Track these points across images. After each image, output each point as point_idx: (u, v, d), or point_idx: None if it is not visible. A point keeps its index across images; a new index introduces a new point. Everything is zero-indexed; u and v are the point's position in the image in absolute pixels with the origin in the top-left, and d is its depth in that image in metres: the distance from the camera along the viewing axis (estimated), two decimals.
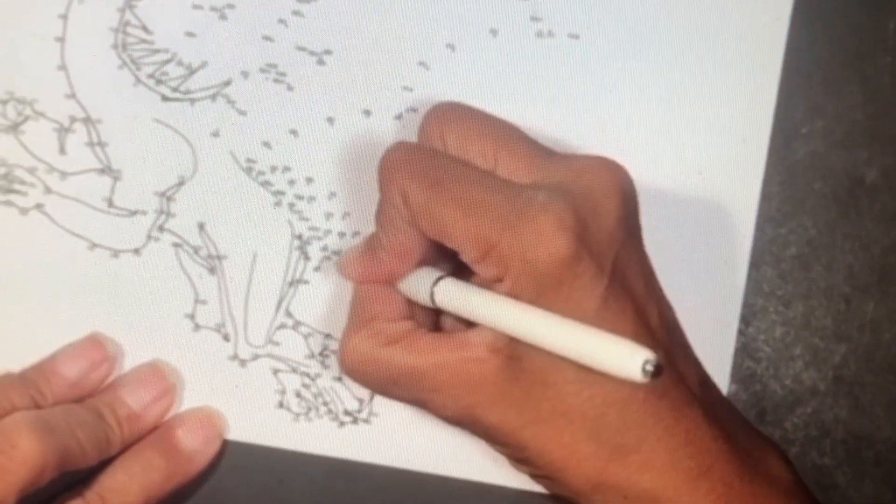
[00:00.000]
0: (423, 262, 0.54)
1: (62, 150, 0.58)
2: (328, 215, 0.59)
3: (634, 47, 0.60)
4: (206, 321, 0.59)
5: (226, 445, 0.59)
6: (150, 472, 0.56)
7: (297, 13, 0.59)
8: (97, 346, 0.58)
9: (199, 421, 0.58)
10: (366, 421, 0.60)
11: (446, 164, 0.53)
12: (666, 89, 0.60)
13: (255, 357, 0.59)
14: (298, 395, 0.59)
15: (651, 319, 0.52)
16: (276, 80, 0.59)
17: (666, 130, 0.60)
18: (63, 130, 0.58)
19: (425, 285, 0.53)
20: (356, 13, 0.59)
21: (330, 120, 0.59)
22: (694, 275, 0.60)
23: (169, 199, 0.59)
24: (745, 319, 0.60)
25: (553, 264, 0.49)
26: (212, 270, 0.59)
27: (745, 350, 0.60)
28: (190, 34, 0.58)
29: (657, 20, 0.59)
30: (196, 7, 0.58)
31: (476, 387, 0.51)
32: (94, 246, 0.59)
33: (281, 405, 0.59)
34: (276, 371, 0.59)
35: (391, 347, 0.52)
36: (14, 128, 0.58)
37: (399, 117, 0.59)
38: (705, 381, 0.55)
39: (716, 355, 0.60)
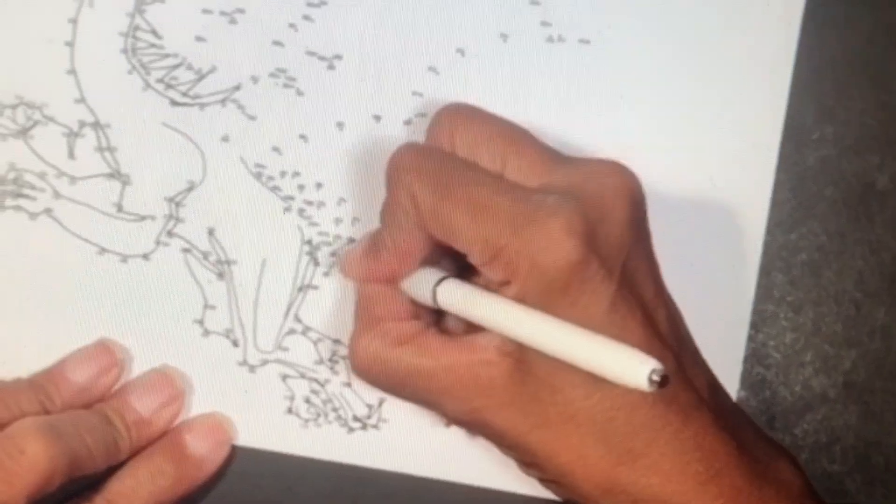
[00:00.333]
0: (426, 263, 0.54)
1: (71, 155, 0.58)
2: (338, 221, 0.59)
3: (645, 53, 0.59)
4: (215, 326, 0.59)
5: (234, 451, 0.59)
6: (158, 478, 0.56)
7: (307, 18, 0.58)
8: (106, 352, 0.58)
9: (208, 427, 0.58)
10: (375, 427, 0.59)
11: (455, 167, 0.52)
12: (676, 95, 0.59)
13: (264, 362, 0.59)
14: (307, 400, 0.59)
15: (660, 324, 0.52)
16: (285, 85, 0.58)
17: (676, 136, 0.59)
18: (72, 135, 0.58)
19: (427, 286, 0.53)
20: (366, 18, 0.58)
21: (340, 125, 0.58)
22: (704, 280, 0.60)
23: (178, 204, 0.58)
24: (755, 325, 0.60)
25: (561, 269, 0.49)
26: (221, 276, 0.58)
27: (754, 356, 0.60)
28: (200, 39, 0.58)
29: (667, 25, 0.59)
30: (206, 12, 0.58)
31: (485, 390, 0.50)
32: (103, 251, 0.58)
33: (290, 411, 0.59)
34: (284, 377, 0.59)
35: (401, 348, 0.52)
36: (23, 132, 0.57)
37: (409, 122, 0.58)
38: (714, 386, 0.54)
39: (725, 361, 0.59)
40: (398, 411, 0.59)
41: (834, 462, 0.60)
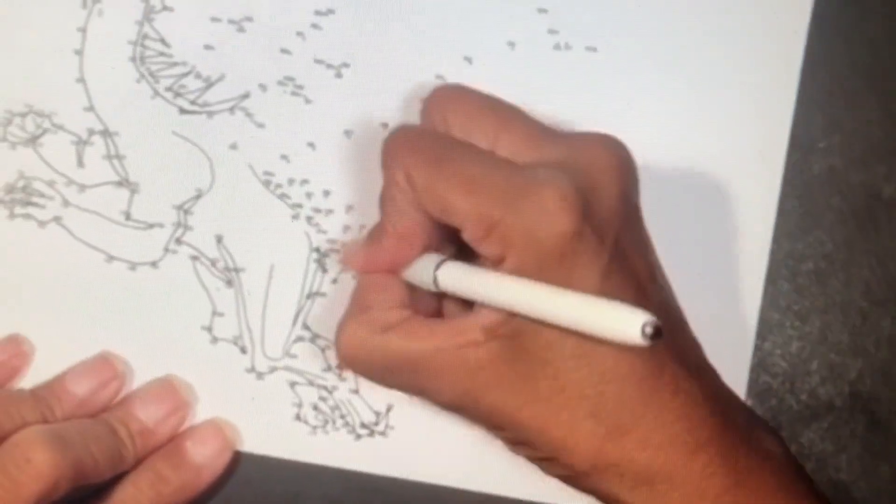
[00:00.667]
0: (427, 250, 0.53)
1: (80, 163, 0.57)
2: (346, 228, 0.58)
3: (651, 61, 0.59)
4: (223, 334, 0.58)
5: (241, 458, 0.58)
6: (159, 485, 0.55)
7: (315, 26, 0.57)
8: (107, 365, 0.57)
9: (209, 433, 0.57)
10: (382, 434, 0.59)
11: (448, 144, 0.52)
12: (683, 103, 0.59)
13: (272, 369, 0.58)
14: (315, 407, 0.58)
15: (651, 296, 0.51)
16: (293, 93, 0.58)
17: (683, 145, 0.59)
18: (81, 143, 0.57)
19: (429, 270, 0.52)
20: (374, 26, 0.58)
21: (347, 133, 0.58)
22: (710, 289, 0.59)
23: (186, 211, 0.58)
24: (762, 334, 0.59)
25: (555, 239, 0.49)
26: (229, 283, 0.58)
27: (761, 365, 0.59)
28: (208, 47, 0.57)
29: (674, 34, 0.58)
30: (214, 20, 0.57)
31: (473, 371, 0.50)
32: (111, 258, 0.58)
33: (298, 418, 0.58)
34: (292, 384, 0.58)
35: (386, 334, 0.51)
36: (33, 140, 0.57)
37: None
38: (702, 361, 0.54)
39: (732, 370, 0.58)
40: (406, 418, 0.59)
41: (840, 471, 0.60)
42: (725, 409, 0.52)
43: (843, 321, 0.59)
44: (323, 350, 0.58)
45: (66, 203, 0.57)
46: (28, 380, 0.57)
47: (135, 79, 0.57)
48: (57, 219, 0.57)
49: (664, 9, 0.58)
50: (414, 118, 0.57)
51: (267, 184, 0.58)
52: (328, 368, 0.58)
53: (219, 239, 0.58)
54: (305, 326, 0.58)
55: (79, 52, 0.57)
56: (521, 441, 0.52)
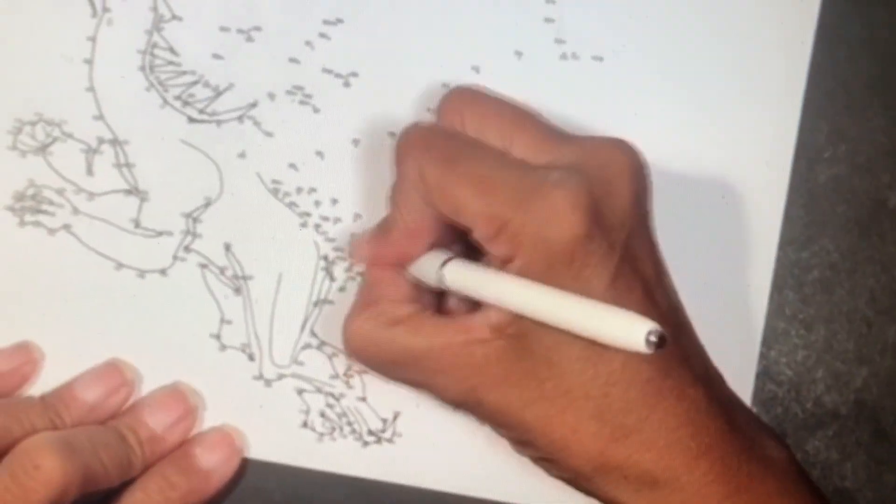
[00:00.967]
0: (434, 246, 0.53)
1: (90, 171, 0.57)
2: (353, 236, 0.58)
3: (657, 71, 0.58)
4: (231, 341, 0.58)
5: (249, 464, 0.58)
6: (168, 491, 0.55)
7: (323, 36, 0.57)
8: (115, 372, 0.57)
9: (217, 439, 0.57)
10: (389, 441, 0.58)
11: (462, 143, 0.52)
12: (689, 112, 0.59)
13: (280, 377, 0.58)
14: (322, 414, 0.58)
15: (659, 302, 0.51)
16: (302, 102, 0.57)
17: (689, 153, 0.59)
18: (91, 151, 0.57)
19: (434, 266, 0.52)
20: (382, 35, 0.58)
21: (355, 141, 0.58)
22: (716, 297, 0.59)
23: (195, 219, 0.57)
24: (767, 342, 0.59)
25: (565, 242, 0.49)
26: (237, 291, 0.58)
27: (766, 373, 0.59)
28: (217, 56, 0.57)
29: (680, 44, 0.58)
30: (223, 29, 0.57)
31: (479, 368, 0.50)
32: (120, 266, 0.57)
33: (305, 425, 0.58)
34: (300, 391, 0.58)
35: (394, 329, 0.51)
36: (42, 149, 0.57)
37: None
38: (707, 365, 0.54)
39: (737, 378, 0.58)
40: (413, 426, 0.58)
41: (845, 479, 0.59)
42: (730, 415, 0.52)
43: (849, 329, 0.59)
44: (330, 357, 0.58)
45: (75, 211, 0.57)
46: (37, 387, 0.57)
47: (144, 88, 0.57)
48: (66, 226, 0.57)
49: (670, 19, 0.58)
50: None
51: (275, 192, 0.58)
52: (335, 376, 0.58)
53: (227, 247, 0.58)
54: (313, 334, 0.58)
55: (88, 61, 0.57)
56: (525, 441, 0.52)
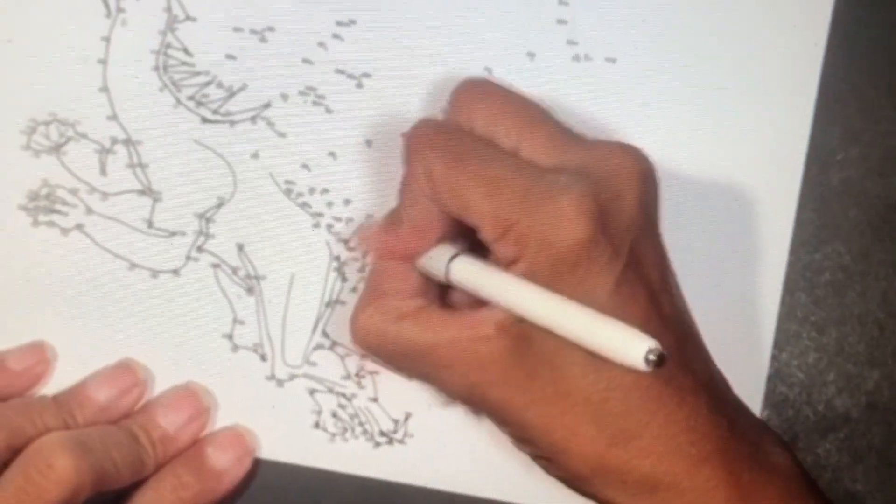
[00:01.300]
0: (442, 241, 0.53)
1: (103, 171, 0.57)
2: (361, 227, 0.58)
3: (670, 72, 0.58)
4: (243, 341, 0.58)
5: (261, 465, 0.58)
6: (180, 491, 0.55)
7: (336, 36, 0.57)
8: (128, 372, 0.57)
9: (229, 439, 0.57)
10: (401, 442, 0.58)
11: (471, 143, 0.52)
12: (701, 115, 0.58)
13: (292, 377, 0.58)
14: (334, 415, 0.58)
15: (663, 307, 0.51)
16: (315, 103, 0.57)
17: (701, 156, 0.58)
18: (104, 152, 0.57)
19: (441, 261, 0.52)
20: (395, 36, 0.57)
21: (368, 142, 0.58)
22: (728, 299, 0.59)
23: (208, 220, 0.57)
24: (779, 345, 0.59)
25: (570, 246, 0.48)
26: (250, 291, 0.57)
27: (777, 375, 0.59)
28: (230, 57, 0.57)
29: (693, 46, 0.58)
30: (236, 30, 0.57)
31: (483, 365, 0.50)
32: (133, 266, 0.57)
33: (317, 425, 0.58)
34: (312, 391, 0.58)
35: (401, 323, 0.51)
36: (56, 149, 0.57)
37: None
38: (713, 374, 0.53)
39: (749, 380, 0.58)
40: (424, 427, 0.58)
41: (857, 482, 0.59)
42: (733, 421, 0.52)
43: (860, 332, 0.59)
44: (342, 358, 0.58)
45: (88, 211, 0.57)
46: (50, 386, 0.57)
47: (158, 88, 0.57)
48: (80, 226, 0.57)
49: (683, 20, 0.58)
50: None
51: (288, 192, 0.57)
52: (347, 376, 0.58)
53: (240, 247, 0.57)
54: (325, 334, 0.58)
55: (102, 62, 0.57)
56: (525, 439, 0.52)
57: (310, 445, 0.58)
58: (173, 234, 0.57)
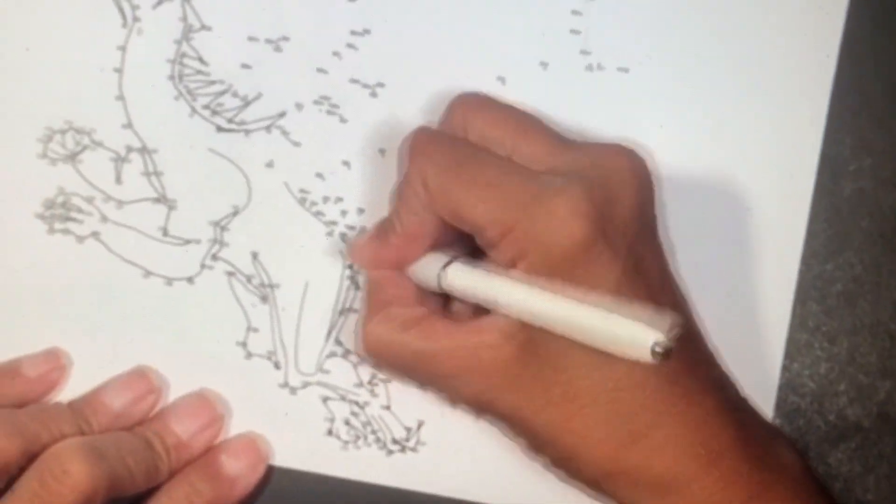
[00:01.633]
0: (434, 249, 0.53)
1: (118, 180, 0.57)
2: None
3: (682, 82, 0.58)
4: (257, 349, 0.58)
5: (274, 472, 0.58)
6: (193, 497, 0.55)
7: (350, 46, 0.57)
8: (142, 379, 0.57)
9: (243, 446, 0.57)
10: (413, 450, 0.58)
11: (465, 149, 0.52)
12: (714, 124, 0.58)
13: (305, 385, 0.58)
14: (347, 423, 0.58)
15: (664, 307, 0.51)
16: (329, 112, 0.57)
17: (713, 166, 0.58)
18: (120, 160, 0.57)
19: (433, 270, 0.52)
20: (408, 46, 0.57)
21: (382, 151, 0.58)
22: (739, 309, 0.58)
23: (223, 228, 0.57)
24: (790, 354, 0.59)
25: (568, 248, 0.49)
26: (264, 299, 0.58)
27: (789, 385, 0.59)
28: (245, 66, 0.57)
29: (706, 55, 0.58)
30: (252, 39, 0.57)
31: (489, 372, 0.50)
32: (148, 274, 0.57)
33: (330, 433, 0.58)
34: (325, 399, 0.58)
35: (407, 333, 0.51)
36: (72, 157, 0.57)
37: None
38: (718, 371, 0.54)
39: (760, 390, 0.58)
40: (436, 435, 0.58)
41: (868, 492, 0.59)
42: (742, 421, 0.52)
43: (872, 342, 0.59)
44: (355, 366, 0.58)
45: (104, 219, 0.57)
46: (65, 393, 0.57)
47: (173, 97, 0.57)
48: (95, 234, 0.57)
49: (695, 31, 0.58)
50: None
51: (302, 201, 0.58)
52: (360, 384, 0.58)
53: (254, 255, 0.58)
54: (338, 342, 0.58)
55: (118, 70, 0.57)
56: (536, 446, 0.52)
57: (323, 453, 0.58)
58: (188, 242, 0.57)
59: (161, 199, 0.57)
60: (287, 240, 0.58)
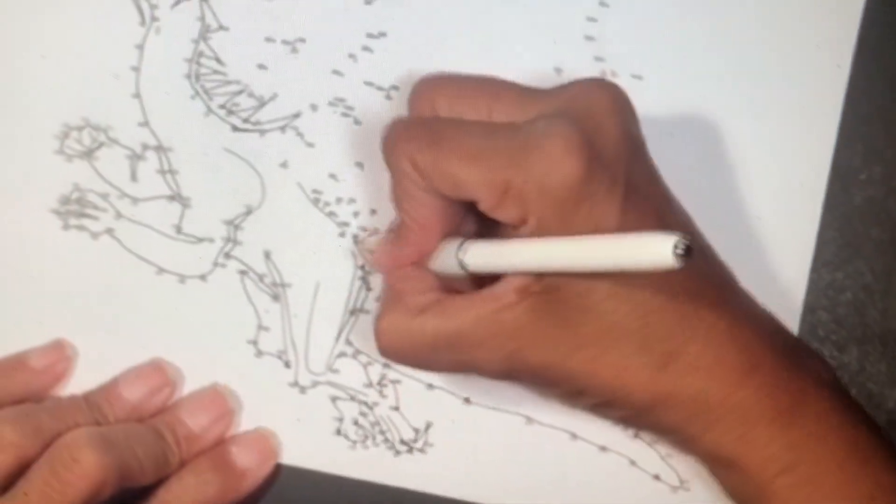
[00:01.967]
0: (447, 236, 0.53)
1: (134, 177, 0.58)
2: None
3: (695, 90, 0.58)
4: (268, 348, 0.58)
5: (282, 469, 0.58)
6: (203, 487, 0.55)
7: (366, 49, 0.58)
8: (158, 371, 0.57)
9: (254, 440, 0.57)
10: (421, 450, 0.58)
11: (444, 122, 0.52)
12: (725, 133, 0.58)
13: (315, 384, 0.58)
14: (356, 423, 0.58)
15: (672, 221, 0.52)
16: (343, 114, 0.58)
17: (724, 174, 0.58)
18: (135, 157, 0.57)
19: (451, 254, 0.52)
20: (423, 50, 0.58)
21: None
22: None
23: (236, 227, 0.58)
24: None
25: (568, 186, 0.48)
26: (276, 298, 0.58)
27: None
28: (262, 67, 0.58)
29: (719, 64, 0.58)
30: (268, 40, 0.57)
31: (514, 332, 0.50)
32: (161, 271, 0.58)
33: (339, 432, 0.58)
34: (334, 399, 0.58)
35: (423, 316, 0.51)
36: (88, 154, 0.57)
37: None
38: (736, 282, 0.54)
39: None
40: (444, 436, 0.58)
41: None
42: (772, 330, 0.52)
43: (882, 351, 0.59)
44: (365, 366, 0.58)
45: (118, 216, 0.57)
46: (77, 389, 0.58)
47: (189, 96, 0.57)
48: (109, 231, 0.58)
49: (708, 39, 0.58)
50: None
51: (315, 202, 0.58)
52: (369, 384, 0.58)
53: (267, 254, 0.58)
54: (348, 342, 0.58)
55: (135, 69, 0.57)
56: (576, 391, 0.52)
57: (331, 452, 0.58)
58: (201, 240, 0.58)
59: (175, 197, 0.58)
60: (299, 240, 0.58)
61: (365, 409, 0.58)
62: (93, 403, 0.56)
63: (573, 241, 0.48)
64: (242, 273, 0.58)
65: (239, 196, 0.58)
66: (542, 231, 0.49)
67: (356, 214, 0.58)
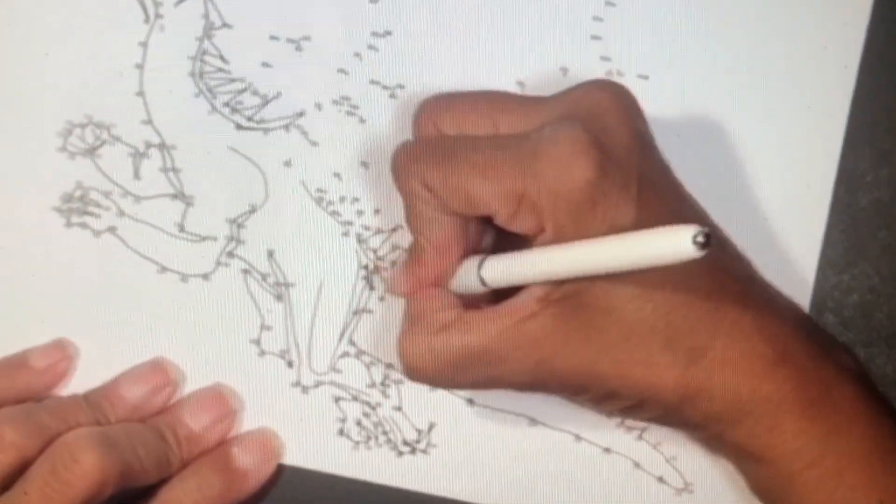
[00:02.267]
0: (466, 256, 0.53)
1: (137, 175, 0.57)
2: (394, 246, 0.58)
3: (701, 91, 0.58)
4: (270, 347, 0.58)
5: (284, 470, 0.58)
6: (205, 488, 0.55)
7: (371, 47, 0.57)
8: (160, 371, 0.57)
9: (255, 441, 0.57)
10: (424, 452, 0.58)
11: (451, 140, 0.52)
12: (731, 134, 0.58)
13: (318, 384, 0.58)
14: (359, 423, 0.58)
15: (687, 214, 0.51)
16: (348, 113, 0.58)
17: (730, 176, 0.58)
18: (138, 155, 0.57)
19: (472, 272, 0.52)
20: (429, 49, 0.58)
21: None
22: None
23: (239, 225, 0.57)
24: None
25: (581, 189, 0.48)
26: (279, 297, 0.58)
27: None
28: (266, 65, 0.57)
29: (724, 65, 0.58)
30: (273, 38, 0.57)
31: (539, 341, 0.50)
32: (164, 269, 0.57)
33: (341, 433, 0.58)
34: (337, 399, 0.58)
35: (446, 332, 0.51)
36: (91, 151, 0.57)
37: None
38: (757, 273, 0.54)
39: None
40: (447, 437, 0.58)
41: None
42: (797, 321, 0.52)
43: (888, 354, 0.59)
44: (368, 366, 0.58)
45: (121, 213, 0.57)
46: (78, 388, 0.57)
47: (193, 94, 0.57)
48: (112, 229, 0.57)
49: (714, 40, 0.58)
50: None
51: (319, 201, 0.58)
52: (372, 385, 0.58)
53: (270, 253, 0.58)
54: (351, 342, 0.58)
55: (139, 67, 0.57)
56: (606, 394, 0.51)
57: (333, 453, 0.58)
58: (204, 238, 0.58)
59: (178, 195, 0.57)
60: (303, 239, 0.58)
61: (368, 409, 0.58)
62: (94, 403, 0.55)
63: (592, 243, 0.47)
64: (245, 272, 0.58)
65: (242, 195, 0.58)
66: (559, 238, 0.49)
67: (360, 213, 0.58)
